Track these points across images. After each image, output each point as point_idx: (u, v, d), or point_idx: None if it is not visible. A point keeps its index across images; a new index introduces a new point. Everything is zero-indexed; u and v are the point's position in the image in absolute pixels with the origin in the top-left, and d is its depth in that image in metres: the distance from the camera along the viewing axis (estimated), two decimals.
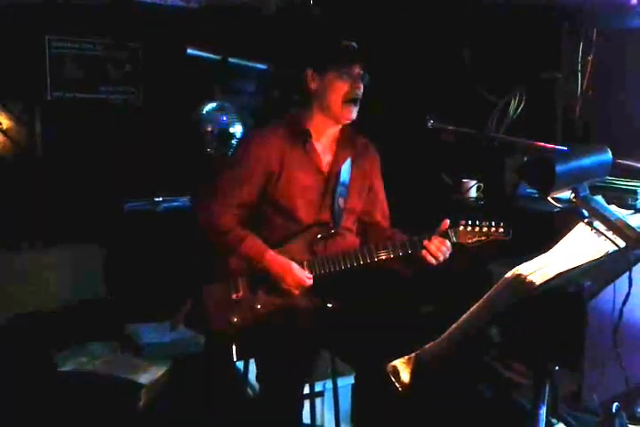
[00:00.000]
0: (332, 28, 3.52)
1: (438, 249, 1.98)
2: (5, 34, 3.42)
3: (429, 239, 1.99)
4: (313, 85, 2.07)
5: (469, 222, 2.00)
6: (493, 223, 2.00)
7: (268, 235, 2.05)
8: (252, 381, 2.36)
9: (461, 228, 2.00)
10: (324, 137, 2.14)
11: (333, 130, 2.14)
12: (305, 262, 2.03)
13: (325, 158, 2.14)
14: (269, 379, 1.94)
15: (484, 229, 1.99)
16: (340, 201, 2.11)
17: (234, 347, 2.04)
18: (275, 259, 1.99)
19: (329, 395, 2.35)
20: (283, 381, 1.91)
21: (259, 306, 2.02)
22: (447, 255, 2.00)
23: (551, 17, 3.03)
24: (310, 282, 2.00)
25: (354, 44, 2.11)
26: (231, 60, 3.88)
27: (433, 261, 1.99)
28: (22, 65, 3.52)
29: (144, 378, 2.76)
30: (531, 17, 3.06)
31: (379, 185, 2.27)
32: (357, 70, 2.04)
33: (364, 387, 2.09)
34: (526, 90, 3.08)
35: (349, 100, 2.03)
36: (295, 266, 1.99)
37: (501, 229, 1.99)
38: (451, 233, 2.00)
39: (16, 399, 2.66)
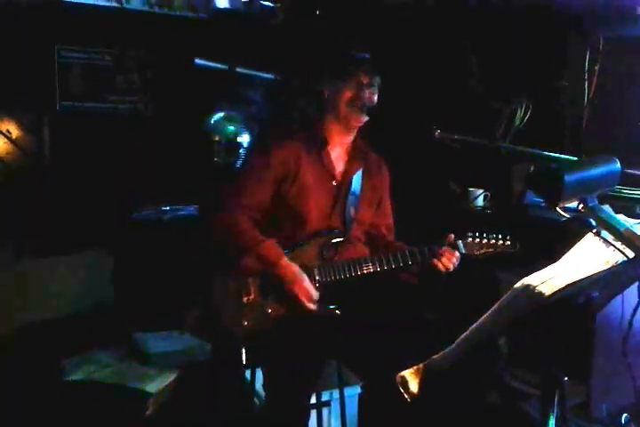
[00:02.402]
0: (338, 38, 3.54)
1: (449, 260, 2.01)
2: (15, 43, 3.45)
3: (439, 250, 2.02)
4: (326, 94, 2.13)
5: (477, 234, 2.05)
6: (501, 236, 2.04)
7: (278, 239, 2.05)
8: (259, 389, 2.37)
9: (469, 239, 2.04)
10: (338, 146, 2.18)
11: (347, 139, 2.18)
12: (315, 269, 2.04)
13: (338, 167, 2.18)
14: (276, 387, 1.94)
15: (492, 242, 2.04)
16: (351, 210, 2.14)
17: (243, 351, 2.04)
18: (289, 267, 1.99)
19: (336, 404, 2.35)
20: (289, 388, 1.91)
21: (269, 310, 2.03)
22: (456, 266, 2.03)
23: (558, 25, 3.04)
24: (317, 298, 2.00)
25: (361, 53, 2.14)
26: (239, 69, 3.90)
27: (443, 269, 2.02)
28: (31, 74, 3.54)
29: (151, 387, 2.77)
30: (537, 25, 3.07)
31: (386, 200, 2.31)
32: (365, 79, 2.07)
33: (371, 397, 2.09)
34: (533, 98, 3.08)
35: (356, 106, 2.07)
36: (306, 280, 1.99)
37: (509, 242, 2.04)
38: (460, 244, 2.03)
39: (23, 408, 2.66)
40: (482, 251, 2.04)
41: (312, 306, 1.99)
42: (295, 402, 1.92)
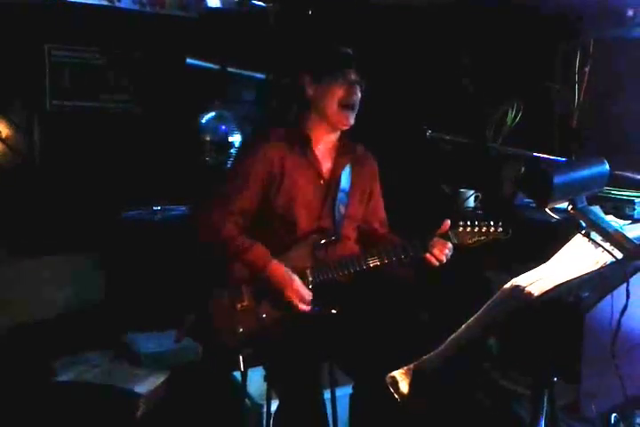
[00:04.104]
0: (329, 37, 3.54)
1: (441, 251, 1.98)
2: (5, 42, 3.44)
3: (430, 242, 1.99)
4: (310, 91, 2.10)
5: (468, 223, 2.00)
6: (492, 222, 1.99)
7: (269, 242, 2.04)
8: (251, 390, 2.36)
9: (461, 228, 2.00)
10: (323, 144, 2.16)
11: (332, 137, 2.16)
12: (308, 270, 2.03)
13: (325, 165, 2.15)
14: (285, 388, 1.93)
15: (484, 229, 1.99)
16: (341, 208, 2.12)
17: (240, 357, 2.02)
18: (278, 271, 1.98)
19: (327, 405, 2.34)
20: (298, 387, 1.89)
21: (264, 315, 2.01)
22: (449, 257, 2.00)
23: (549, 27, 3.05)
24: (309, 298, 1.99)
25: (349, 50, 2.13)
26: (230, 69, 3.90)
27: (436, 263, 2.00)
28: (22, 73, 3.53)
29: (142, 388, 2.75)
30: (529, 27, 3.08)
31: (377, 193, 2.29)
32: (353, 76, 2.06)
33: (362, 397, 2.09)
34: (524, 100, 3.09)
35: (345, 106, 2.05)
36: (297, 281, 1.98)
37: (500, 229, 1.99)
38: (451, 234, 2.00)
39: (13, 409, 2.64)
40: (474, 239, 1.99)
41: (305, 307, 1.98)
42: (307, 398, 1.89)
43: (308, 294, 1.99)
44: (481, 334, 1.34)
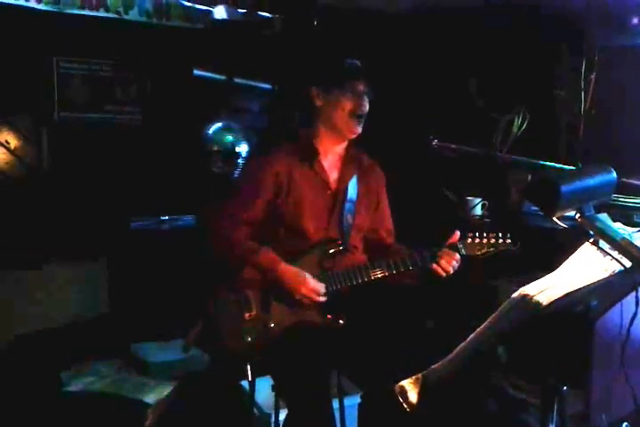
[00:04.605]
0: (335, 48, 3.56)
1: (449, 263, 1.99)
2: (14, 54, 3.47)
3: (439, 253, 2.00)
4: (318, 103, 2.11)
5: (477, 234, 2.02)
6: (500, 234, 2.01)
7: (277, 253, 2.04)
8: (259, 400, 2.36)
9: (469, 240, 2.01)
10: (331, 154, 2.17)
11: (340, 147, 2.17)
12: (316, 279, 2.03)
13: (332, 175, 2.16)
14: (292, 397, 1.93)
15: (492, 241, 2.01)
16: (349, 217, 2.13)
17: (248, 367, 2.02)
18: (288, 269, 1.99)
19: (335, 414, 2.33)
20: (305, 397, 1.89)
21: (272, 324, 2.02)
22: (456, 268, 2.01)
23: (554, 35, 3.06)
24: (324, 290, 2.00)
25: (357, 61, 2.14)
26: (236, 80, 3.92)
27: (443, 274, 2.01)
28: (31, 85, 3.56)
29: (150, 397, 2.75)
30: (534, 35, 3.09)
31: (384, 202, 2.29)
32: (361, 87, 2.07)
33: (371, 406, 2.08)
34: (529, 108, 3.10)
35: (354, 116, 2.06)
36: (309, 276, 1.99)
37: (509, 240, 2.01)
38: (460, 245, 2.01)
39: (22, 420, 2.64)
40: (483, 250, 2.01)
41: (322, 299, 1.99)
42: (316, 408, 1.89)
43: (321, 286, 2.00)
44: (489, 342, 1.34)
